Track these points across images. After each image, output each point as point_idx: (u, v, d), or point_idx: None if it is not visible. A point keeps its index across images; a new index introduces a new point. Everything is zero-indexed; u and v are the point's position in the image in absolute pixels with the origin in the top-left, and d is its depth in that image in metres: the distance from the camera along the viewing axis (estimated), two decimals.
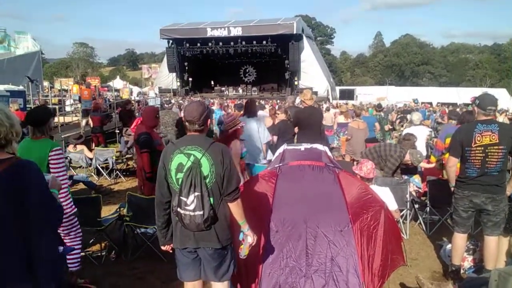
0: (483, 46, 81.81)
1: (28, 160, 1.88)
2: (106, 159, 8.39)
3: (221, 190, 2.43)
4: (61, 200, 3.29)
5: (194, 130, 2.49)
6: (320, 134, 5.71)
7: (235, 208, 2.48)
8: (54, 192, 2.04)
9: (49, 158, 3.22)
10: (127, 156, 9.39)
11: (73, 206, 3.41)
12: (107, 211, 5.28)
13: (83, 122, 12.15)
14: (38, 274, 1.77)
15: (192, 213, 2.32)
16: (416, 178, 6.31)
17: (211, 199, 2.38)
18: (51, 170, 3.21)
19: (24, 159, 1.87)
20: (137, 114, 12.08)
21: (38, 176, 1.83)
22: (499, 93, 32.47)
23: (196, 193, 2.31)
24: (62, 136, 10.09)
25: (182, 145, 2.46)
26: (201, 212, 2.31)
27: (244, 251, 2.55)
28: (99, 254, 4.39)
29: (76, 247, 3.45)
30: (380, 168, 5.89)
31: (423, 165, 6.29)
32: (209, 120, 2.60)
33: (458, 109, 16.86)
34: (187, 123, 2.49)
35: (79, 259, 3.57)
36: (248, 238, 2.54)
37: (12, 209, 1.74)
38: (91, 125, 10.96)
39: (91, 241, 4.48)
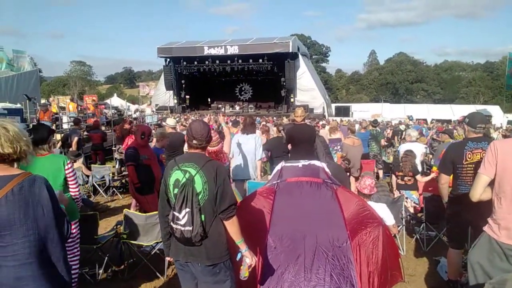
0: (476, 64, 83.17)
1: (40, 175, 1.92)
2: (103, 177, 8.37)
3: (214, 208, 2.44)
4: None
5: (200, 147, 2.57)
6: (313, 150, 5.72)
7: (230, 227, 2.47)
8: (61, 207, 2.06)
9: (66, 172, 3.34)
10: (123, 173, 9.36)
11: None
12: (104, 229, 5.24)
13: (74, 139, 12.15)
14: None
15: (182, 228, 2.38)
16: (414, 194, 6.35)
17: (203, 216, 2.41)
18: (70, 183, 3.37)
19: (36, 174, 1.91)
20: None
21: (49, 191, 1.88)
22: (493, 110, 32.99)
23: (188, 209, 2.37)
24: (59, 153, 10.05)
25: (181, 162, 2.54)
26: (190, 228, 2.36)
27: (243, 272, 2.49)
28: (95, 272, 4.34)
29: (74, 265, 3.43)
30: None
31: (420, 179, 6.34)
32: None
33: (450, 126, 17.17)
34: (194, 141, 2.55)
35: (76, 277, 3.54)
36: (246, 260, 2.49)
37: (24, 222, 1.79)
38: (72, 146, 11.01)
39: (87, 259, 4.44)
